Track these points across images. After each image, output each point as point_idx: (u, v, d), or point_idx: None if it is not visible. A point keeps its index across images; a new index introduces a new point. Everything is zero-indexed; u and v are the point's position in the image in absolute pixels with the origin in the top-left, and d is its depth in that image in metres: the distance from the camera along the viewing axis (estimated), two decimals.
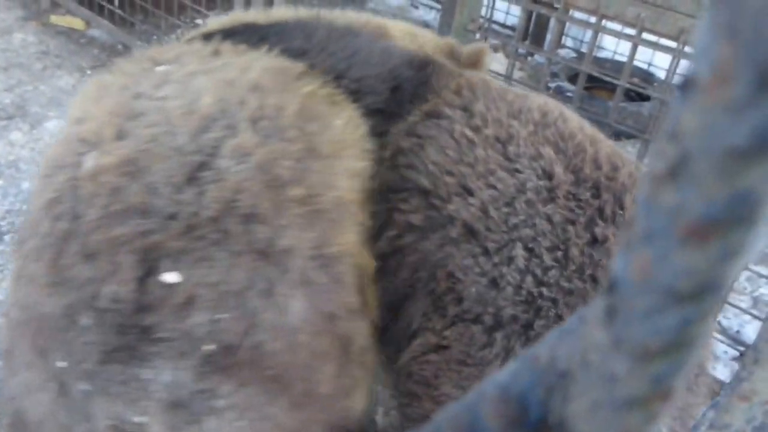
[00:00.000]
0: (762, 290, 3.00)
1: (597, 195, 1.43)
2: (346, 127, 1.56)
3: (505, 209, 1.43)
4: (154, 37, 4.26)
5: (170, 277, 1.17)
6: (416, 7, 5.71)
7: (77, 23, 4.53)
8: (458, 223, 1.45)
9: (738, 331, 2.72)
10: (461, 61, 2.00)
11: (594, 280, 1.35)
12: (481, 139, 1.54)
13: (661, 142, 0.31)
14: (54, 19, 4.57)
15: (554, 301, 1.35)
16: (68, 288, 1.18)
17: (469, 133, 1.56)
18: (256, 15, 1.95)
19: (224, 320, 1.16)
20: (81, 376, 1.16)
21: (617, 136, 3.87)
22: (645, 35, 2.27)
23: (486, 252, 1.41)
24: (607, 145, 1.55)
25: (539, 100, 1.67)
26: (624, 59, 4.46)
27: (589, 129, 1.59)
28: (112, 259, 1.18)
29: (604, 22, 2.32)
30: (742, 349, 2.54)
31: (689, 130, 0.30)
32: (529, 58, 4.49)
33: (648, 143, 2.31)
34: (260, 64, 1.56)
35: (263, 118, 1.38)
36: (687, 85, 0.29)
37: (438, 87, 1.73)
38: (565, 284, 1.35)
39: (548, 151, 1.49)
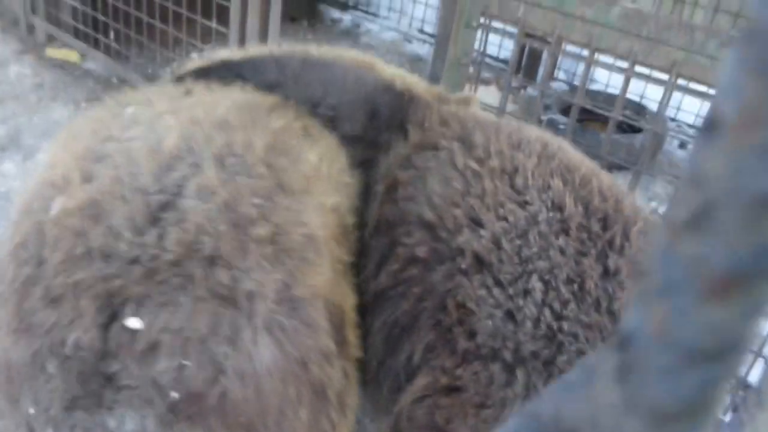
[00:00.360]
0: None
1: (606, 227, 1.44)
2: (320, 161, 1.54)
3: (518, 241, 1.41)
4: (149, 70, 4.27)
5: (133, 322, 1.15)
6: (410, 42, 5.74)
7: (73, 56, 4.56)
8: (468, 254, 1.43)
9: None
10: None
11: (611, 313, 1.34)
12: (486, 171, 1.53)
13: (682, 188, 0.28)
14: (50, 52, 4.59)
15: (575, 335, 1.32)
16: (33, 334, 1.16)
17: (473, 164, 1.55)
18: (231, 52, 1.96)
19: (189, 367, 1.13)
20: (48, 423, 1.15)
21: (609, 168, 3.87)
22: (637, 68, 2.27)
23: (500, 284, 1.39)
24: (606, 176, 1.57)
25: (535, 131, 1.67)
26: (616, 92, 4.48)
27: (587, 160, 1.61)
28: (75, 304, 1.16)
29: (596, 55, 2.31)
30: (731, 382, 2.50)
31: (714, 176, 0.27)
32: (522, 91, 4.50)
33: (639, 174, 2.30)
34: (229, 100, 1.55)
35: (230, 155, 1.36)
36: (711, 126, 0.27)
37: (417, 117, 1.73)
38: (584, 318, 1.33)
39: (557, 183, 1.49)
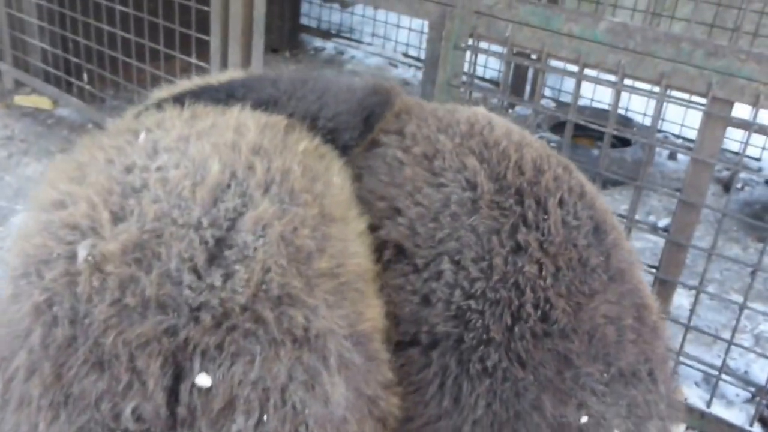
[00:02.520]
0: (762, 327, 3.09)
1: (520, 201, 1.52)
2: (343, 184, 1.56)
3: (431, 224, 1.51)
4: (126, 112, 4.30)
5: (204, 380, 1.06)
6: (395, 66, 5.91)
7: (44, 102, 4.58)
8: (390, 245, 1.54)
9: (746, 372, 2.80)
10: None
11: (517, 287, 1.42)
12: (410, 159, 1.65)
13: None
14: (18, 99, 4.62)
15: (481, 312, 1.40)
16: (77, 407, 1.04)
17: (399, 154, 1.67)
18: (202, 80, 1.95)
19: (269, 421, 1.07)
20: None
21: (603, 184, 4.01)
22: (625, 81, 2.39)
23: (416, 269, 1.49)
24: (534, 149, 1.65)
25: (468, 111, 1.80)
26: (601, 106, 4.66)
27: (517, 134, 1.71)
28: (130, 366, 1.05)
29: (584, 70, 2.43)
30: (752, 390, 2.62)
31: None
32: (511, 110, 4.64)
33: (640, 190, 2.42)
34: (252, 122, 1.52)
35: (273, 183, 1.32)
36: None
37: (392, 107, 1.86)
38: (491, 294, 1.41)
39: (472, 162, 1.58)
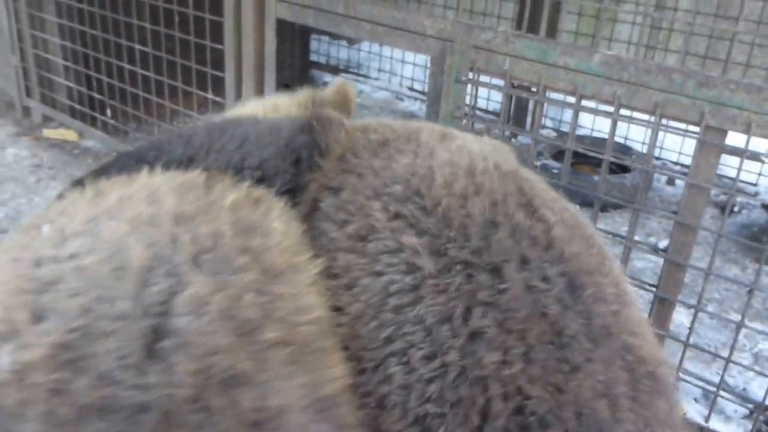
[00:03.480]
0: (760, 346, 3.06)
1: (469, 277, 1.23)
2: (287, 228, 1.36)
3: (373, 323, 1.24)
4: None
5: None
6: (401, 100, 5.94)
7: (70, 135, 4.65)
8: (335, 343, 1.25)
9: (744, 389, 2.77)
10: (332, 102, 1.96)
11: (480, 382, 1.14)
12: (344, 240, 1.37)
13: None
14: (47, 132, 4.69)
15: (442, 416, 1.15)
16: None
17: (334, 234, 1.39)
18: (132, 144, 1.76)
19: None
20: None
21: (604, 207, 4.01)
22: (621, 111, 2.39)
23: (364, 372, 1.23)
24: (486, 192, 1.35)
25: (411, 149, 1.49)
26: (601, 135, 4.67)
27: (464, 175, 1.38)
28: None
29: (582, 101, 2.44)
30: (750, 406, 2.59)
31: None
32: (513, 140, 4.65)
33: (638, 213, 2.41)
34: (165, 186, 1.34)
35: (203, 252, 1.16)
36: None
37: (327, 148, 1.58)
38: (450, 395, 1.14)
39: (409, 239, 1.29)
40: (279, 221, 1.36)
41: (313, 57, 6.44)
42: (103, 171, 1.55)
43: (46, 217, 1.33)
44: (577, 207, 1.59)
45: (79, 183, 1.50)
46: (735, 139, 2.25)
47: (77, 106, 4.53)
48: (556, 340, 1.17)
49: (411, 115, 5.54)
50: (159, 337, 1.01)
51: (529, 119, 5.14)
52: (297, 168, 1.55)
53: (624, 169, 4.35)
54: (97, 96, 4.39)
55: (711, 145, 2.23)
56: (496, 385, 1.13)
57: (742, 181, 4.54)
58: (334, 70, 6.38)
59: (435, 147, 1.50)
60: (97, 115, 4.42)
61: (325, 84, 6.29)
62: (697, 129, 2.24)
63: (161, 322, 1.03)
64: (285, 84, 5.92)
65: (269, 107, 1.92)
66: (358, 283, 1.29)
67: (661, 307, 2.43)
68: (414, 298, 1.22)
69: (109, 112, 4.40)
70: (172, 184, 1.35)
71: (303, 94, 2.01)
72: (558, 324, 1.18)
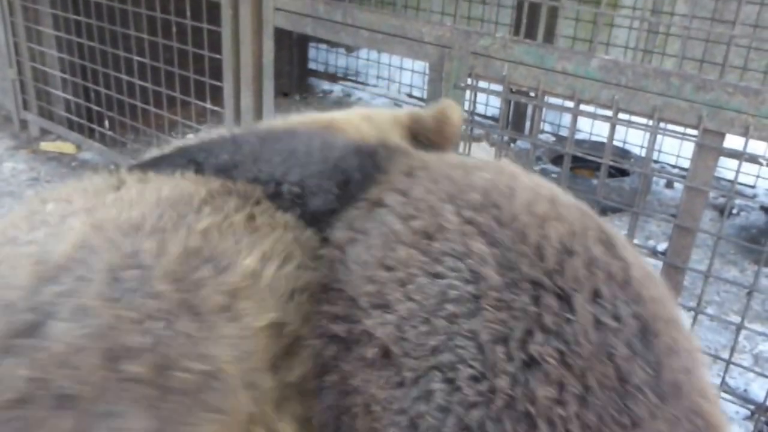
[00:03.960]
0: (761, 347, 3.07)
1: (536, 299, 1.10)
2: (262, 264, 1.26)
3: (424, 328, 1.12)
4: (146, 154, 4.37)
5: None
6: (400, 106, 5.97)
7: (68, 147, 4.64)
8: (375, 342, 1.16)
9: (745, 390, 2.78)
10: (427, 125, 1.86)
11: (528, 418, 1.01)
12: (407, 234, 1.26)
13: None
14: (44, 145, 4.69)
15: None
16: None
17: (397, 226, 1.28)
18: (189, 138, 1.71)
19: None
20: None
21: (603, 211, 4.03)
22: (620, 115, 2.40)
23: (403, 383, 1.10)
24: (565, 222, 1.23)
25: (491, 170, 1.38)
26: (599, 139, 4.68)
27: (545, 203, 1.27)
28: None
29: (580, 106, 2.45)
30: (752, 407, 2.60)
31: None
32: (512, 145, 4.67)
33: (637, 216, 2.42)
34: (155, 195, 1.32)
35: (131, 267, 1.13)
36: None
37: (390, 170, 1.48)
38: (491, 427, 1.02)
39: (479, 246, 1.18)
40: (255, 256, 1.26)
41: (312, 65, 6.46)
42: (154, 163, 1.54)
43: (59, 194, 1.35)
44: None
45: (132, 169, 1.51)
46: (733, 141, 2.25)
47: (75, 119, 4.54)
48: (620, 388, 1.03)
49: None
50: (27, 334, 1.02)
51: (527, 124, 5.15)
52: (344, 190, 1.47)
53: (623, 173, 4.36)
54: (95, 108, 4.39)
55: (709, 148, 2.24)
56: (545, 426, 1.00)
57: (741, 184, 4.56)
58: (333, 78, 6.40)
59: (517, 172, 1.39)
60: (95, 126, 4.43)
61: (324, 93, 6.32)
62: (695, 132, 2.25)
63: (41, 321, 1.03)
64: (284, 93, 5.97)
65: (360, 117, 1.83)
66: (414, 280, 1.17)
67: None
68: (472, 309, 1.11)
69: (107, 123, 4.41)
70: (166, 194, 1.33)
71: (404, 111, 1.89)
72: (624, 369, 1.04)
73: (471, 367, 1.05)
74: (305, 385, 1.21)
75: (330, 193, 1.46)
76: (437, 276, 1.16)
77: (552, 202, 1.27)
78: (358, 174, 1.48)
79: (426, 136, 1.88)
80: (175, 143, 1.65)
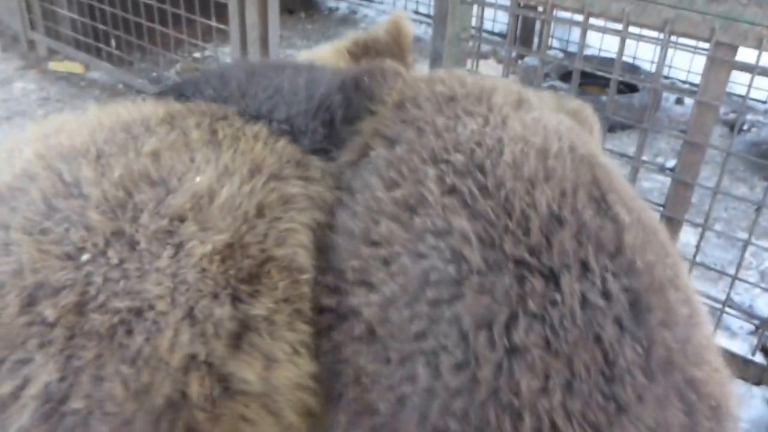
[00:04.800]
0: (767, 264, 3.06)
1: (521, 279, 1.02)
2: (218, 182, 1.16)
3: (407, 312, 1.06)
4: (154, 73, 4.33)
5: None
6: None
7: (76, 67, 4.60)
8: (361, 320, 1.11)
9: (750, 305, 2.78)
10: (382, 41, 1.85)
11: (512, 409, 0.95)
12: (389, 205, 1.18)
13: None
14: (53, 65, 4.65)
15: None
16: None
17: (380, 193, 1.20)
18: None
19: None
20: None
21: (612, 127, 3.96)
22: (630, 29, 2.33)
23: (389, 362, 1.05)
24: (557, 179, 1.14)
25: (474, 123, 1.27)
26: (609, 55, 4.57)
27: (532, 163, 1.16)
28: None
29: (590, 20, 2.37)
30: (756, 322, 2.60)
31: None
32: (520, 61, 4.57)
33: (646, 132, 2.37)
34: (111, 119, 1.25)
35: (68, 196, 1.07)
36: None
37: (381, 97, 1.43)
38: (476, 417, 0.96)
39: (460, 223, 1.09)
40: (210, 173, 1.16)
41: None
42: (163, 94, 1.51)
43: (61, 125, 1.29)
44: None
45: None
46: (746, 55, 2.20)
47: (82, 38, 4.48)
48: (607, 372, 0.97)
49: (417, 39, 5.44)
50: None
51: (536, 40, 5.03)
52: (330, 128, 1.43)
53: (632, 89, 4.27)
54: (101, 27, 4.32)
55: (721, 62, 2.18)
56: (529, 418, 0.95)
57: (752, 99, 4.45)
58: None
59: (508, 115, 1.29)
60: (102, 46, 4.37)
61: (329, 10, 6.17)
62: (707, 46, 2.19)
63: None
64: (289, 10, 5.84)
65: (315, 59, 1.78)
66: (397, 260, 1.11)
67: (669, 227, 2.41)
68: (454, 293, 1.04)
69: (113, 42, 4.35)
70: (122, 117, 1.26)
71: (349, 40, 1.86)
72: (612, 352, 0.98)
73: (452, 354, 1.00)
74: (281, 317, 1.13)
75: (316, 133, 1.42)
76: (419, 256, 1.09)
77: (542, 156, 1.18)
78: (342, 111, 1.43)
79: (382, 51, 1.84)
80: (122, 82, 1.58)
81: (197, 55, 4.55)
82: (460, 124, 1.26)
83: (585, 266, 1.03)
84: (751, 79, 2.24)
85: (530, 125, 1.26)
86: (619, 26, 2.32)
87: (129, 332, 0.97)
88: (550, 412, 0.94)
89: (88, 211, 1.04)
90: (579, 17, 2.39)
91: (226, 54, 3.96)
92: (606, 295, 1.01)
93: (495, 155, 1.17)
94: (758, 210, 2.30)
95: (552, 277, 1.02)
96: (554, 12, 2.49)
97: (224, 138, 1.26)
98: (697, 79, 4.40)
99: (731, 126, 4.26)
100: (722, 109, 4.03)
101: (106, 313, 0.96)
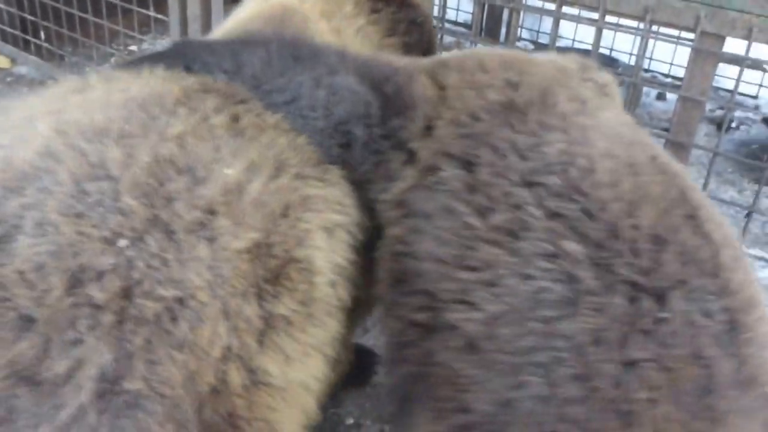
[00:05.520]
0: (759, 274, 2.98)
1: (634, 299, 1.16)
2: (248, 174, 1.22)
3: (516, 329, 1.18)
4: (87, 68, 4.19)
5: None
6: None
7: (2, 61, 4.49)
8: (460, 334, 1.23)
9: None
10: None
11: (625, 418, 1.11)
12: (487, 230, 1.28)
13: None
14: None
15: None
16: None
17: (472, 220, 1.30)
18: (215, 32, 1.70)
19: None
20: None
21: None
22: (608, 18, 2.28)
23: (494, 371, 1.19)
24: (652, 201, 1.28)
25: (558, 141, 1.37)
26: (584, 47, 4.50)
27: (627, 181, 1.30)
28: None
29: (563, 8, 2.30)
30: None
31: None
32: None
33: None
34: (123, 95, 1.29)
35: (96, 178, 1.10)
36: None
37: (419, 104, 1.50)
38: (592, 423, 1.12)
39: (571, 246, 1.21)
40: (240, 164, 1.21)
41: None
42: (156, 59, 1.49)
43: (24, 103, 1.34)
44: None
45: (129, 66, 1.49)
46: (734, 46, 2.19)
47: (8, 29, 4.35)
48: (706, 385, 1.13)
49: None
50: None
51: (503, 31, 4.97)
52: (346, 150, 1.47)
53: None
54: (29, 17, 4.21)
55: (707, 54, 2.16)
56: (639, 424, 1.10)
57: (741, 94, 4.39)
58: None
59: (585, 126, 1.41)
60: (30, 38, 4.26)
61: None
62: (691, 36, 2.18)
63: (9, 234, 1.03)
64: None
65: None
66: (501, 282, 1.22)
67: None
68: (568, 312, 1.16)
69: (42, 34, 4.25)
70: (135, 95, 1.29)
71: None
72: (712, 368, 1.13)
73: (569, 367, 1.12)
74: (298, 318, 1.21)
75: (332, 149, 1.46)
76: (527, 277, 1.20)
77: (633, 172, 1.31)
78: (363, 137, 1.47)
79: None
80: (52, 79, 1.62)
81: (134, 47, 4.44)
82: (544, 143, 1.36)
83: (688, 286, 1.18)
84: (740, 73, 2.20)
85: (610, 135, 1.40)
86: (594, 15, 2.28)
87: (174, 320, 1.03)
88: (657, 420, 1.10)
89: (122, 197, 1.08)
90: (551, 5, 2.35)
91: None
92: (707, 313, 1.16)
93: (589, 175, 1.29)
94: (748, 215, 2.27)
95: (661, 297, 1.16)
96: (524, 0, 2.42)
97: (247, 127, 1.31)
98: (680, 73, 4.35)
99: (718, 124, 4.20)
100: (708, 106, 3.97)
101: (152, 300, 1.03)
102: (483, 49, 1.72)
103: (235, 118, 1.32)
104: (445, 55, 1.68)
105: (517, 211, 1.27)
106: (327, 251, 1.29)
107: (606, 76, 1.64)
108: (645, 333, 1.14)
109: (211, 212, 1.13)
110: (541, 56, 1.66)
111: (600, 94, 1.57)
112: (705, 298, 1.18)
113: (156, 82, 1.35)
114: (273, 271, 1.17)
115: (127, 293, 1.02)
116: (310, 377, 1.25)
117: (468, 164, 1.37)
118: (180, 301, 1.04)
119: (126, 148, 1.15)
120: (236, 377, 1.09)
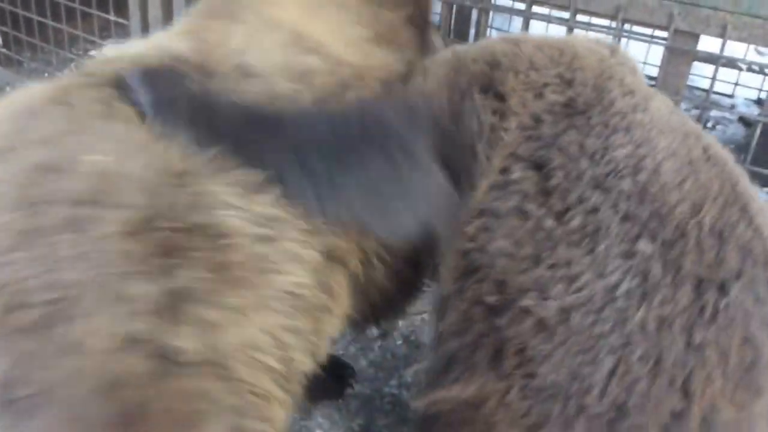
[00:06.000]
0: None
1: (699, 293, 1.33)
2: (116, 158, 1.23)
3: (591, 317, 1.34)
4: (46, 74, 4.14)
5: None
6: None
7: None
8: (533, 317, 1.37)
9: None
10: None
11: (685, 392, 1.28)
12: (564, 233, 1.42)
13: None
14: None
15: (641, 407, 1.29)
16: None
17: (549, 223, 1.44)
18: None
19: None
20: None
21: None
22: (579, 17, 2.30)
23: (566, 350, 1.34)
24: (712, 204, 1.43)
25: (624, 144, 1.51)
26: None
27: (689, 182, 1.46)
28: None
29: (533, 7, 2.32)
30: None
31: None
32: None
33: None
34: (5, 111, 1.33)
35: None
36: None
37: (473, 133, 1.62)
38: (654, 396, 1.28)
39: (644, 247, 1.37)
40: (108, 150, 1.22)
41: None
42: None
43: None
44: None
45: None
46: (708, 44, 2.20)
47: None
48: (754, 364, 1.29)
49: None
50: None
51: (472, 31, 4.97)
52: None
53: None
54: None
55: (681, 52, 2.18)
56: (698, 398, 1.27)
57: (717, 93, 4.41)
58: None
59: (644, 124, 1.54)
60: None
61: None
62: (664, 34, 2.19)
63: None
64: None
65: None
66: (579, 278, 1.36)
67: None
68: (640, 302, 1.32)
69: (0, 39, 4.23)
70: (17, 104, 1.34)
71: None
72: (759, 351, 1.30)
73: (639, 349, 1.29)
74: (215, 285, 1.19)
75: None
76: (604, 274, 1.36)
77: (694, 170, 1.46)
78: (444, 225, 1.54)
79: None
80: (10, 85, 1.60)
81: (94, 53, 4.39)
82: (611, 146, 1.49)
83: (747, 278, 1.35)
84: (715, 71, 2.22)
85: (666, 130, 1.53)
86: (565, 14, 2.31)
87: (52, 322, 1.03)
88: (712, 394, 1.27)
89: (3, 212, 1.10)
90: (521, 5, 2.37)
91: None
92: (759, 301, 1.33)
93: (656, 177, 1.44)
94: None
95: (722, 288, 1.32)
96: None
97: (121, 108, 1.32)
98: (654, 71, 4.36)
99: None
100: (683, 105, 3.98)
101: (32, 307, 1.03)
102: (519, 37, 1.79)
103: (109, 103, 1.32)
104: (494, 48, 1.72)
105: (593, 214, 1.41)
106: (244, 209, 1.28)
107: (628, 54, 1.78)
108: (708, 319, 1.30)
109: (78, 203, 1.13)
110: (570, 40, 1.76)
111: (634, 75, 1.70)
112: (757, 284, 1.35)
113: (37, 88, 1.38)
114: (164, 245, 1.16)
115: (8, 308, 1.03)
116: (257, 334, 1.25)
117: (538, 167, 1.50)
118: (55, 302, 1.04)
119: (5, 163, 1.17)
120: (139, 366, 1.07)
